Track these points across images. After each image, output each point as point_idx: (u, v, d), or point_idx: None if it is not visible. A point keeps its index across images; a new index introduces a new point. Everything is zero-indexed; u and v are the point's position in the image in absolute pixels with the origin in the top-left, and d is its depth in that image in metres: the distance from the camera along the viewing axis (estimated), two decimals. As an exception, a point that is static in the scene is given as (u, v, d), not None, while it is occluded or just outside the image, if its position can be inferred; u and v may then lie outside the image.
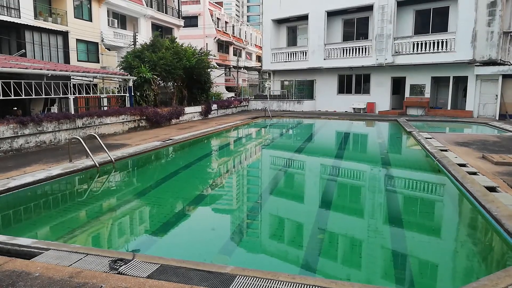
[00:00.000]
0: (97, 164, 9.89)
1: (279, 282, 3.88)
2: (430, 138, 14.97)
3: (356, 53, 28.12)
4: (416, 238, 6.24)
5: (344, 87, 30.34)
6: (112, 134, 15.93)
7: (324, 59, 29.38)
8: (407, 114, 27.13)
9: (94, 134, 11.72)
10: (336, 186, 9.81)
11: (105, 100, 21.05)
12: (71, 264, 4.29)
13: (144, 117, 17.91)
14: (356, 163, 12.86)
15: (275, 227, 6.97)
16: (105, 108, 18.69)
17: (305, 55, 30.47)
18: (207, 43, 43.32)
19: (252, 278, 3.95)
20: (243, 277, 3.98)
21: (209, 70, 25.03)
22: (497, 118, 24.03)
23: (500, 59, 24.18)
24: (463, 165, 9.94)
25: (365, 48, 27.72)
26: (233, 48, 52.29)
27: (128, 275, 4.03)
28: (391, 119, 24.12)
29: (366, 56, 27.67)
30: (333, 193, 9.12)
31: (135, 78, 18.73)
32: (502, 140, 14.77)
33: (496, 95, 24.31)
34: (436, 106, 27.80)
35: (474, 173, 9.04)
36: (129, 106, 18.27)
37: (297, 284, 3.83)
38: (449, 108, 26.53)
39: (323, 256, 5.57)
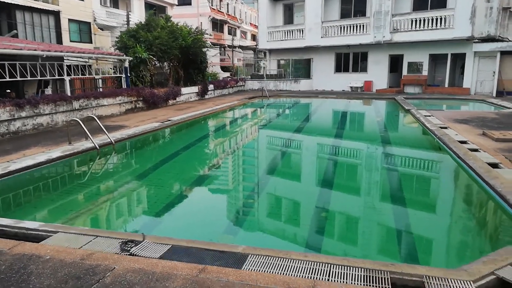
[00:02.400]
0: (97, 146, 9.80)
1: (291, 260, 3.89)
2: (429, 116, 14.95)
3: (353, 30, 27.76)
4: (421, 215, 6.28)
5: (341, 65, 30.08)
6: (109, 116, 15.76)
7: (321, 37, 29.00)
8: (405, 92, 27.04)
9: (93, 115, 11.58)
10: (340, 166, 9.82)
11: (100, 81, 20.73)
12: (81, 246, 4.28)
13: (141, 98, 17.70)
14: (357, 143, 12.87)
15: (279, 207, 6.98)
16: (101, 90, 18.42)
17: (302, 33, 30.04)
18: (201, 22, 42.48)
19: (265, 256, 3.96)
20: (255, 256, 3.98)
21: (205, 49, 24.63)
22: (494, 95, 24.04)
23: (499, 36, 23.98)
24: (464, 142, 9.97)
25: (363, 26, 27.35)
26: (228, 27, 51.38)
27: (140, 256, 4.02)
28: (388, 98, 24.05)
29: (363, 34, 27.33)
30: (338, 173, 9.13)
31: (131, 58, 18.41)
32: (501, 116, 14.80)
33: (494, 72, 24.23)
34: (434, 83, 27.72)
35: (476, 150, 9.06)
36: (125, 87, 18.01)
37: (310, 262, 3.84)
38: (446, 85, 26.46)
39: (331, 236, 5.60)
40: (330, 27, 28.74)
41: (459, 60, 26.53)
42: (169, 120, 14.52)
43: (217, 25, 48.10)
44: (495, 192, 6.26)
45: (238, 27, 55.49)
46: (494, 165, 7.70)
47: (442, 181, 8.47)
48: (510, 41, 25.08)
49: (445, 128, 12.23)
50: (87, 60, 16.53)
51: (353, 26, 27.75)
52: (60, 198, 7.18)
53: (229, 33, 51.05)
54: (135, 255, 4.04)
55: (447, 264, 4.71)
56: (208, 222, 6.04)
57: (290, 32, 30.90)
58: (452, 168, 8.92)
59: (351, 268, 3.73)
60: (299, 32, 30.28)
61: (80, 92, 16.39)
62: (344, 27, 28.19)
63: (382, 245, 5.32)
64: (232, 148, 12.21)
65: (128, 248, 4.16)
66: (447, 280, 3.50)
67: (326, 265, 3.80)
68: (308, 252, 4.24)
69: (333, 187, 7.92)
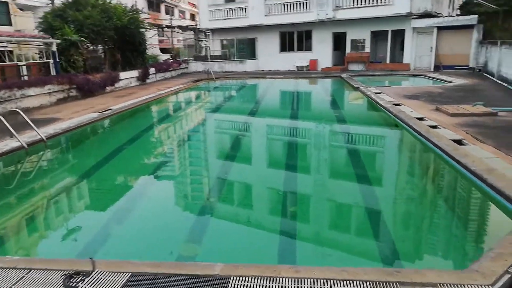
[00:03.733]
0: (25, 145, 8.39)
1: (282, 279, 3.24)
2: (379, 93, 14.97)
3: (297, 8, 27.27)
4: (391, 196, 5.94)
5: (286, 44, 29.62)
6: (38, 108, 13.92)
7: (265, 16, 28.20)
8: (349, 69, 27.30)
9: (16, 109, 9.97)
10: (302, 148, 9.32)
11: (25, 68, 18.39)
12: (10, 287, 3.28)
13: (74, 86, 15.89)
14: (315, 124, 12.46)
15: (245, 199, 6.30)
16: (26, 78, 16.26)
17: (245, 11, 29.01)
18: (136, 1, 39.66)
19: (250, 278, 3.27)
20: (238, 278, 3.27)
21: (143, 30, 22.82)
22: (432, 69, 25.00)
23: (435, 11, 24.82)
24: (421, 119, 9.90)
25: (306, 3, 26.93)
26: (165, 6, 48.66)
27: (90, 294, 3.14)
28: (335, 76, 24.08)
29: (307, 12, 26.95)
30: (301, 156, 8.62)
31: (59, 41, 16.38)
32: (446, 91, 15.21)
33: (431, 47, 25.14)
34: (376, 60, 28.26)
35: (435, 127, 8.98)
36: (55, 74, 16.06)
37: (304, 280, 3.22)
38: (388, 62, 27.10)
39: (302, 224, 5.05)
40: (273, 5, 28.00)
41: (398, 37, 27.17)
42: (109, 110, 13.11)
43: (153, 4, 45.33)
44: (468, 171, 6.05)
45: (176, 6, 52.82)
46: (458, 142, 7.61)
47: (408, 161, 8.26)
48: (445, 16, 26.17)
49: (399, 104, 12.20)
50: (5, 45, 14.38)
51: (296, 4, 27.25)
52: (-20, 214, 5.88)
53: (167, 13, 48.41)
54: (85, 292, 3.15)
55: (433, 251, 4.36)
56: (167, 228, 5.20)
57: (232, 10, 29.72)
58: (416, 146, 8.75)
59: (354, 282, 3.16)
60: (242, 11, 29.21)
61: (0, 82, 14.29)
62: (287, 5, 27.58)
63: (360, 234, 4.86)
64: (184, 137, 11.25)
65: (74, 284, 3.25)
66: (463, 286, 3.06)
67: (324, 281, 3.20)
68: (299, 265, 3.62)
69: (300, 170, 7.39)
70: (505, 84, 16.07)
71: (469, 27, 23.88)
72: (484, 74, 20.85)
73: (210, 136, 11.47)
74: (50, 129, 10.07)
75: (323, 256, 4.38)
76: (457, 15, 27.93)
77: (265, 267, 3.45)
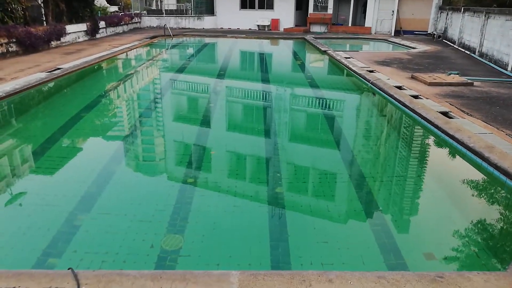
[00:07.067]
0: (-39, 112, 7.07)
1: (316, 290, 2.77)
2: (350, 58, 14.62)
3: (259, -38, 25.78)
4: (386, 171, 5.66)
5: (247, 1, 28.16)
6: (-29, 64, 12.03)
7: (225, -32, 26.44)
8: (311, 31, 26.69)
9: None
10: (290, 116, 8.75)
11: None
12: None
13: (14, 40, 13.89)
14: (288, 90, 11.87)
15: (219, 166, 5.71)
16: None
17: (203, -38, 26.96)
18: None
19: (279, 291, 2.76)
20: (265, 292, 2.75)
21: (90, -23, 20.40)
22: (392, 34, 25.08)
23: (399, -26, 24.50)
24: (400, 88, 9.69)
25: (269, -43, 25.50)
26: (111, -49, 44.14)
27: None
28: (299, 37, 23.36)
29: (270, -34, 25.60)
30: (285, 125, 8.07)
31: (-9, -15, 14.08)
32: (414, 57, 15.15)
33: (393, 11, 25.05)
34: (338, 22, 27.81)
35: (417, 97, 8.80)
36: (-12, 25, 13.91)
37: (340, 289, 2.77)
38: (349, 24, 26.77)
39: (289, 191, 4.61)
40: (234, -43, 26.22)
41: (361, -1, 26.79)
42: (59, 69, 11.60)
43: None
44: (466, 148, 5.87)
45: (123, -48, 48.13)
46: (445, 114, 7.46)
47: (395, 134, 7.99)
48: (408, -20, 25.95)
49: (372, 71, 11.92)
50: None
51: (259, -43, 25.73)
52: None
53: (114, -41, 44.02)
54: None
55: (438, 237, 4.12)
56: (143, 219, 4.49)
57: (189, -40, 27.49)
58: (403, 118, 8.50)
59: (401, 293, 2.76)
60: (200, -39, 27.11)
61: None
62: (249, -43, 25.97)
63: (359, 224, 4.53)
64: (152, 103, 10.20)
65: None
66: (516, 292, 2.77)
67: (365, 291, 2.77)
68: (329, 270, 3.16)
69: (282, 138, 6.87)
70: (468, 52, 16.35)
71: (431, -8, 23.96)
72: (444, 40, 21.19)
73: (181, 101, 10.53)
74: (-9, 92, 8.64)
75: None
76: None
77: (290, 275, 2.96)
